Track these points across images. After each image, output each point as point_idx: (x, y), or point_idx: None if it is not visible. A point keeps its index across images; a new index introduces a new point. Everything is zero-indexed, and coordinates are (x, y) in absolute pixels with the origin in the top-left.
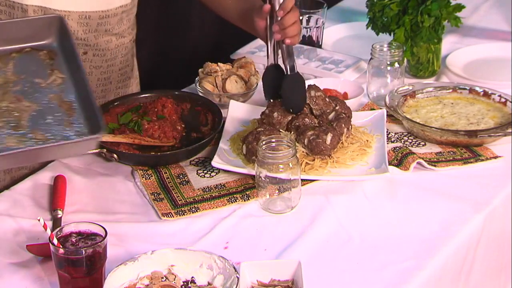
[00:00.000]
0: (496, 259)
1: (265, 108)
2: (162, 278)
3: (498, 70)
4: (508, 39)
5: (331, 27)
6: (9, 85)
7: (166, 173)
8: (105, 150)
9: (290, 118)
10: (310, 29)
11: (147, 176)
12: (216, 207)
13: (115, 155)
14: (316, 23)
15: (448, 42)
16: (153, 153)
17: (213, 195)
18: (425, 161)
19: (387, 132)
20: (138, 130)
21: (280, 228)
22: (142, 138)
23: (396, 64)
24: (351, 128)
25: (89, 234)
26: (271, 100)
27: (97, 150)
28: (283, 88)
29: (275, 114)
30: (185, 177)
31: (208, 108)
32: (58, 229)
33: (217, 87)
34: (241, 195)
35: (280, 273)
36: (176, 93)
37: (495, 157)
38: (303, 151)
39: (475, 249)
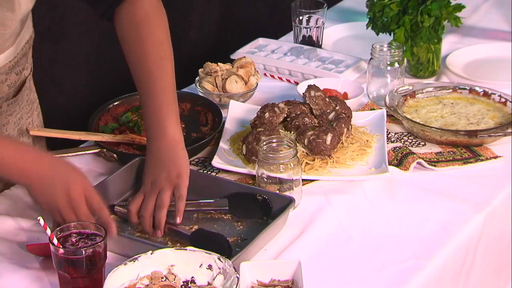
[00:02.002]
0: (496, 259)
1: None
2: (162, 278)
3: (498, 70)
4: (508, 39)
5: (331, 27)
6: None
7: None
8: (105, 150)
9: (281, 119)
10: (310, 29)
11: None
12: None
13: (115, 155)
14: (316, 23)
15: (448, 42)
16: None
17: None
18: (425, 161)
19: (387, 132)
20: (138, 130)
21: None
22: (142, 138)
23: (396, 64)
24: (351, 128)
25: (89, 234)
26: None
27: (97, 150)
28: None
29: (267, 115)
30: None
31: (208, 108)
32: (58, 229)
33: (217, 87)
34: None
35: (280, 273)
36: (176, 93)
37: (495, 157)
38: (303, 151)
39: (475, 249)
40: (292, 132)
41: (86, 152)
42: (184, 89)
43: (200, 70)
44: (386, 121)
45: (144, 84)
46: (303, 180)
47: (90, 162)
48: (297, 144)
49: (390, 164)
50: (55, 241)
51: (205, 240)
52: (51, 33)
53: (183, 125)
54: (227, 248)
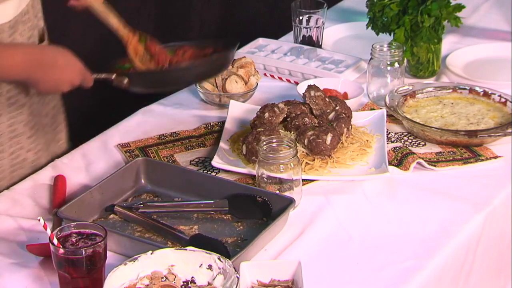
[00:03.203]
0: (496, 259)
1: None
2: (162, 278)
3: (498, 70)
4: (508, 39)
5: (331, 27)
6: None
7: None
8: (113, 76)
9: (281, 119)
10: (310, 29)
11: None
12: None
13: (125, 80)
14: (316, 23)
15: (448, 42)
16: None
17: None
18: (425, 161)
19: (387, 132)
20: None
21: None
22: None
23: (396, 64)
24: (351, 128)
25: (89, 234)
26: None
27: (105, 76)
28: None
29: (266, 115)
30: None
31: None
32: (58, 229)
33: (217, 87)
34: None
35: (280, 273)
36: (199, 41)
37: (495, 157)
38: (303, 151)
39: (475, 249)
40: (292, 132)
41: (98, 76)
42: (184, 89)
43: None
44: (386, 121)
45: None
46: (303, 180)
47: (90, 162)
48: (297, 144)
49: (390, 164)
50: (55, 241)
51: (203, 245)
52: (51, 32)
53: None
54: (225, 254)
